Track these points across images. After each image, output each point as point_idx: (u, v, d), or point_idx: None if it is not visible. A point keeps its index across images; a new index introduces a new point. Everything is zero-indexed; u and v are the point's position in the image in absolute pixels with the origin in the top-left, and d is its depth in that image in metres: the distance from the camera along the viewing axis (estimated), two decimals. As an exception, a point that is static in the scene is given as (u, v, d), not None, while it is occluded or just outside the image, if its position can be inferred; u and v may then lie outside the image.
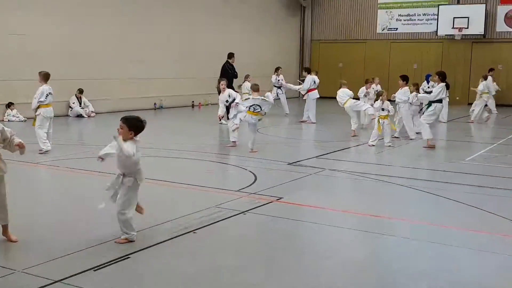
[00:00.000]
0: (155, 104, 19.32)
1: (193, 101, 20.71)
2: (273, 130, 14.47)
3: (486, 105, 16.89)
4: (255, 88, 10.30)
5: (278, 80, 18.30)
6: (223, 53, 17.54)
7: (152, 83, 19.26)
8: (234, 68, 16.46)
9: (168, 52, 19.72)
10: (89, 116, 16.51)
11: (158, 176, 8.08)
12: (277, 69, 18.51)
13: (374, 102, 11.65)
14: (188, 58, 20.58)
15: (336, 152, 10.75)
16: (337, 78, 26.28)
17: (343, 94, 13.38)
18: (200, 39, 20.98)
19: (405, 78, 12.60)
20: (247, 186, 7.53)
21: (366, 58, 25.94)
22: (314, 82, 16.14)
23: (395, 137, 12.47)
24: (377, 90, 16.39)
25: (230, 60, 16.40)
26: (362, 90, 15.33)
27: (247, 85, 16.72)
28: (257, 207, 6.48)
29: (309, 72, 16.46)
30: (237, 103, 11.02)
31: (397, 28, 25.14)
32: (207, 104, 21.46)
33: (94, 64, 17.12)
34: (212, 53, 20.67)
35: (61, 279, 4.29)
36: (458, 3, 23.85)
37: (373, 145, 11.30)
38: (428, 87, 16.93)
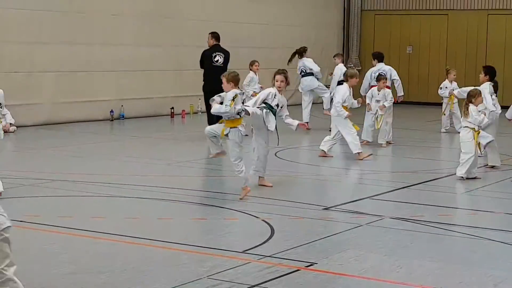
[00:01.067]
0: (111, 112, 19.59)
1: (172, 108, 20.93)
2: (298, 154, 14.65)
3: None
4: (234, 80, 10.10)
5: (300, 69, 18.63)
6: (223, 30, 17.82)
7: (108, 79, 19.50)
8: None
9: (132, 27, 19.89)
10: (6, 131, 16.70)
11: (117, 228, 8.26)
12: (302, 52, 18.80)
13: (469, 105, 11.68)
14: (165, 39, 20.76)
15: (402, 190, 10.85)
16: (404, 70, 26.47)
17: None
18: (184, 7, 21.17)
19: (488, 71, 12.87)
20: (259, 245, 7.63)
21: (450, 39, 26.08)
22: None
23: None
24: (453, 89, 16.63)
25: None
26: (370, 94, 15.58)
27: (251, 77, 17.05)
28: (274, 278, 6.53)
29: (380, 60, 16.78)
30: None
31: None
32: (196, 112, 21.67)
33: (14, 48, 17.29)
34: (204, 30, 20.99)
35: None
36: None
37: (463, 178, 11.50)
38: None
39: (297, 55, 18.57)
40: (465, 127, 11.53)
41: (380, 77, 15.53)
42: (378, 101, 15.27)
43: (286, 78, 10.82)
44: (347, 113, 13.47)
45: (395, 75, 16.60)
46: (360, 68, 26.32)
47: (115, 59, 19.47)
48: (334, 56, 19.11)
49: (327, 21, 26.86)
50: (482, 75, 13.01)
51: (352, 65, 25.96)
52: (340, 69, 17.60)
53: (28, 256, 7.02)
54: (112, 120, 19.30)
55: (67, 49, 18.31)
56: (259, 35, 23.55)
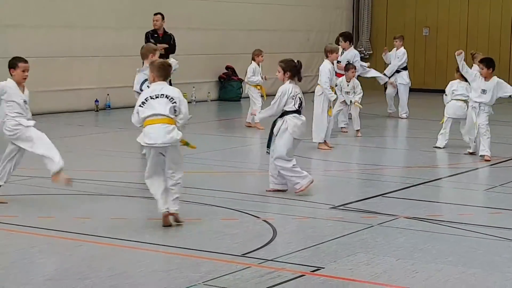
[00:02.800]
0: (96, 101, 19.62)
1: (164, 96, 20.93)
2: (302, 147, 14.65)
3: None
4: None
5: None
6: (216, 9, 17.72)
7: (91, 64, 19.51)
8: (167, 37, 17.43)
9: (116, 8, 19.85)
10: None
11: (103, 229, 8.30)
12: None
13: None
14: (151, 21, 20.80)
15: (417, 187, 10.90)
16: (420, 55, 26.49)
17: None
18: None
19: (489, 64, 12.82)
20: (260, 248, 7.65)
21: (471, 22, 26.10)
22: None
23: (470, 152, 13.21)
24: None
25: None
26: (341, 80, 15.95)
27: (253, 68, 16.89)
28: (276, 284, 6.53)
29: (351, 42, 17.06)
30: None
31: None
32: (190, 102, 21.66)
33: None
34: (194, 10, 21.00)
35: None
36: None
37: None
38: None
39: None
40: None
41: (348, 66, 15.89)
42: (347, 92, 15.66)
43: (282, 68, 10.27)
44: (334, 95, 14.09)
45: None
46: (371, 52, 26.35)
47: (98, 43, 19.39)
48: (395, 38, 19.19)
49: (334, 0, 26.81)
50: (485, 70, 12.78)
51: (363, 49, 25.98)
52: (403, 53, 18.29)
53: (6, 261, 7.05)
54: (97, 111, 19.30)
55: (45, 32, 18.27)
56: (256, 16, 23.45)
